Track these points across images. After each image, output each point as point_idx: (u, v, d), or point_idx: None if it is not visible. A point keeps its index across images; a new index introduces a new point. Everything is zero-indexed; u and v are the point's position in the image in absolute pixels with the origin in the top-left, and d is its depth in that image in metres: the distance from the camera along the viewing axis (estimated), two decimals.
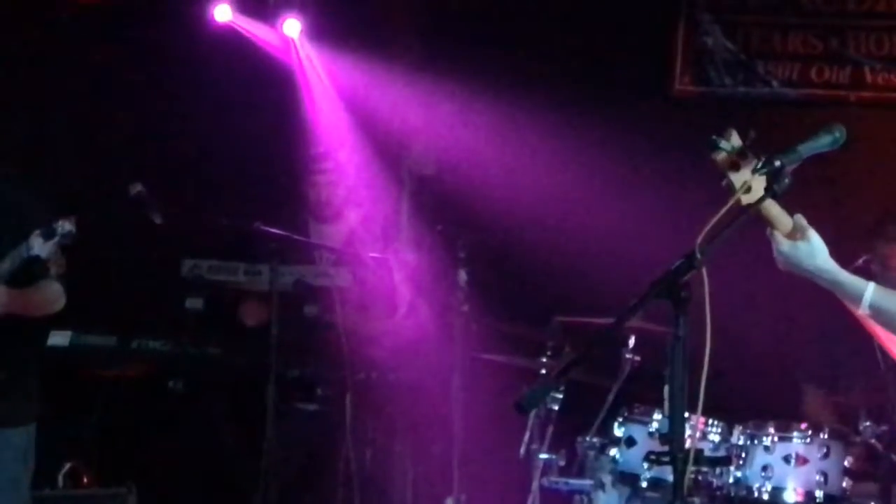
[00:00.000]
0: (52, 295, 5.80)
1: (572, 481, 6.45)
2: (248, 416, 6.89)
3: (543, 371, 6.76)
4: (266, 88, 7.86)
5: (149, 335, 7.03)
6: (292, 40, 7.92)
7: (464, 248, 6.74)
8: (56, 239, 5.49)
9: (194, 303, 6.99)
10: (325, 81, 7.94)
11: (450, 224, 6.99)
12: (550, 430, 6.58)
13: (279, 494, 6.76)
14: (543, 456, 6.53)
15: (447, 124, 8.00)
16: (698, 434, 5.76)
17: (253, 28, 7.87)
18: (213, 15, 7.74)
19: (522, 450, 6.68)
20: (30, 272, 5.67)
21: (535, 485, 6.50)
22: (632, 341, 6.51)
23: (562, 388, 6.52)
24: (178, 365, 7.02)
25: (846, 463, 6.02)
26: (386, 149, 7.98)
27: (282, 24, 7.87)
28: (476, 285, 6.77)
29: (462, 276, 6.71)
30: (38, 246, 5.48)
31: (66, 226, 5.50)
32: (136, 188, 6.34)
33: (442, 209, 7.69)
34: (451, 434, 6.75)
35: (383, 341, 7.10)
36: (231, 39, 7.78)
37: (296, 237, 6.96)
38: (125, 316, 7.25)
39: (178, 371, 7.00)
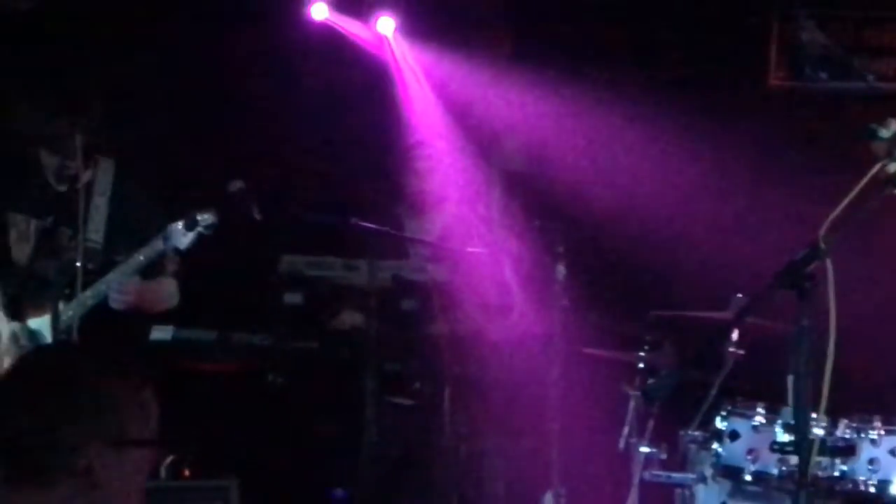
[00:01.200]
0: (171, 291, 5.89)
1: (674, 475, 6.43)
2: (346, 411, 6.93)
3: (641, 365, 6.77)
4: (361, 85, 7.91)
5: (248, 330, 7.11)
6: (386, 37, 7.99)
7: (562, 243, 6.75)
8: (198, 230, 5.55)
9: (293, 298, 7.05)
10: (419, 77, 7.99)
11: (547, 219, 7.00)
12: (651, 423, 6.57)
13: (376, 489, 6.80)
14: (644, 449, 6.51)
15: (538, 119, 8.01)
16: None
17: (348, 25, 7.95)
18: (310, 13, 7.83)
19: (622, 443, 6.68)
20: (152, 268, 5.75)
21: (635, 478, 6.49)
22: (735, 334, 6.49)
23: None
24: (277, 359, 7.08)
25: None
26: (479, 144, 8.00)
27: (376, 22, 7.95)
28: (574, 280, 6.78)
29: (560, 270, 6.72)
30: (179, 237, 5.54)
31: (207, 217, 5.56)
32: (236, 185, 6.39)
33: (534, 204, 7.70)
34: (550, 428, 6.75)
35: (482, 336, 7.11)
36: (327, 37, 7.85)
37: (393, 232, 7.00)
38: (225, 311, 7.32)
39: (277, 365, 7.07)
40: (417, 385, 7.08)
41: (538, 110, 7.98)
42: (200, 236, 5.61)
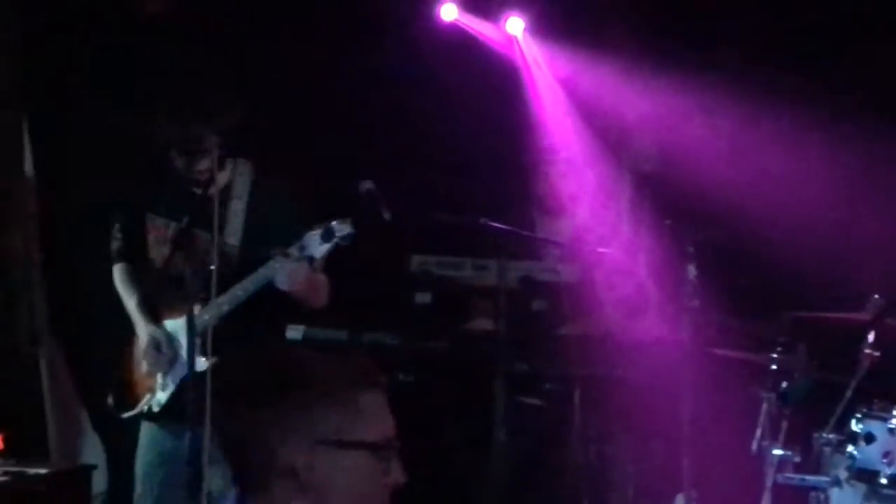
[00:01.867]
0: (326, 289, 5.94)
1: (808, 478, 6.33)
2: (476, 411, 6.94)
3: (774, 367, 6.68)
4: (491, 85, 7.92)
5: (379, 329, 7.15)
6: (515, 37, 7.99)
7: (692, 243, 6.69)
8: (334, 240, 5.55)
9: (423, 297, 7.09)
10: (549, 77, 7.99)
11: (677, 218, 6.96)
12: (784, 425, 6.48)
13: (506, 490, 6.81)
14: (777, 452, 6.42)
15: (669, 117, 7.96)
16: None
17: (477, 26, 7.98)
18: (439, 14, 7.91)
19: (754, 446, 6.60)
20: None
21: (768, 481, 6.41)
22: (872, 336, 6.39)
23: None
24: (407, 359, 7.12)
25: None
26: (607, 144, 7.97)
27: (505, 22, 7.96)
28: (705, 280, 6.72)
29: (691, 270, 6.66)
30: (315, 246, 5.55)
31: (344, 228, 5.56)
32: (366, 185, 6.41)
33: (664, 204, 7.65)
34: (680, 430, 6.70)
35: (612, 337, 7.09)
36: (456, 38, 7.88)
37: (523, 233, 7.00)
38: (356, 310, 7.36)
39: (407, 364, 7.10)
40: (547, 386, 7.09)
41: (669, 108, 7.92)
42: (336, 246, 5.60)
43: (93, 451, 7.19)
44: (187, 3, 7.57)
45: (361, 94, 7.94)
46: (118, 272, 6.01)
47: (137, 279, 5.94)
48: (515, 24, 7.97)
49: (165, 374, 5.78)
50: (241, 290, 5.67)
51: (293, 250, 5.55)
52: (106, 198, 6.14)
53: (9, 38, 7.15)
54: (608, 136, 8.03)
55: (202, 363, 5.52)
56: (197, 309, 5.59)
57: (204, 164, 5.64)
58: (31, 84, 7.25)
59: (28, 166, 7.25)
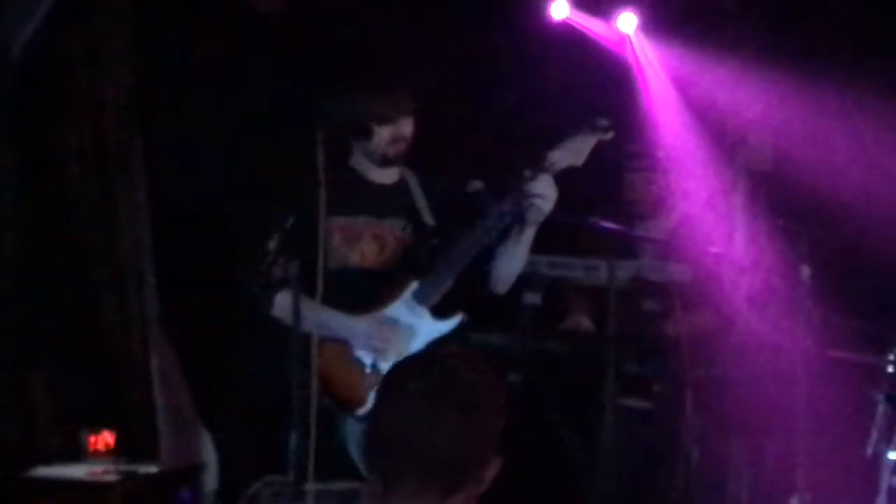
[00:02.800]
0: None
1: None
2: (585, 411, 6.90)
3: (890, 368, 6.57)
4: (603, 83, 7.88)
5: (487, 329, 7.12)
6: (627, 35, 7.94)
7: (806, 243, 6.61)
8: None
9: (532, 298, 7.05)
10: (661, 75, 7.92)
11: (791, 218, 6.86)
12: None
13: (615, 492, 6.75)
14: (893, 455, 6.34)
15: (785, 117, 7.86)
16: None
17: (589, 24, 7.93)
18: (550, 12, 7.86)
19: (869, 449, 6.50)
20: None
21: (883, 485, 6.32)
22: None
23: None
24: (517, 359, 7.09)
25: None
26: (722, 142, 7.90)
27: (617, 19, 7.91)
28: (819, 280, 6.62)
29: (805, 271, 6.58)
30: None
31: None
32: (476, 185, 6.41)
33: (780, 203, 7.56)
34: (794, 433, 6.62)
35: (723, 337, 7.01)
36: (568, 36, 7.85)
37: (633, 232, 6.95)
38: (465, 311, 7.34)
39: (516, 365, 7.07)
40: (657, 387, 7.02)
41: (785, 108, 7.83)
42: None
43: (203, 451, 7.25)
44: (299, 4, 7.59)
45: (470, 94, 7.94)
46: (285, 299, 5.48)
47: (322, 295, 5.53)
48: (628, 22, 7.90)
49: (394, 357, 5.61)
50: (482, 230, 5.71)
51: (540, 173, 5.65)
52: (245, 211, 6.04)
53: (121, 40, 7.23)
54: (723, 135, 7.95)
55: (448, 324, 5.72)
56: (416, 283, 5.69)
57: (406, 128, 5.70)
58: (143, 83, 7.32)
59: (138, 161, 7.33)
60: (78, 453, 6.67)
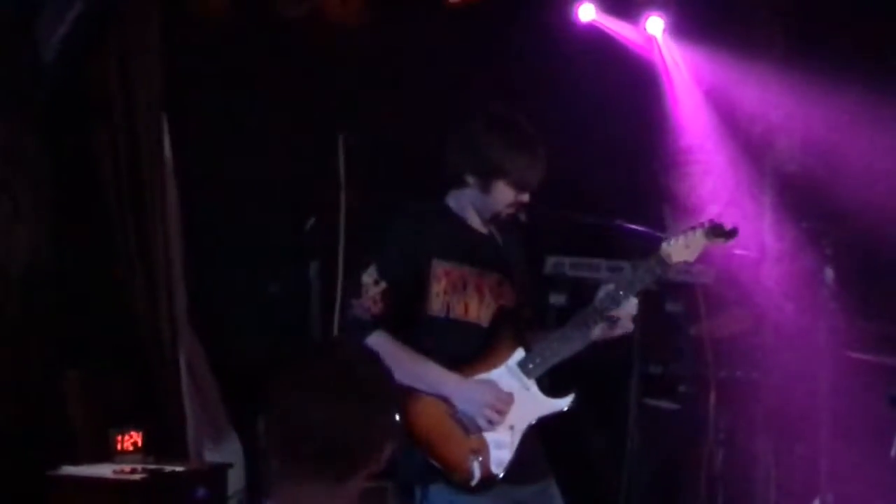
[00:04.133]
0: None
1: None
2: (611, 412, 6.92)
3: None
4: (629, 86, 7.89)
5: (617, 335, 7.13)
6: (655, 38, 7.95)
7: (830, 245, 6.60)
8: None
9: (557, 299, 7.08)
10: (688, 78, 7.93)
11: (815, 220, 6.86)
12: None
13: (642, 492, 6.77)
14: None
15: (813, 119, 7.84)
16: None
17: (616, 27, 7.95)
18: (577, 14, 7.90)
19: (893, 451, 6.50)
20: None
21: None
22: None
23: None
24: None
25: None
26: (749, 145, 7.89)
27: (645, 22, 7.93)
28: (844, 283, 6.62)
29: (829, 273, 6.58)
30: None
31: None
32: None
33: (808, 205, 7.54)
34: (818, 434, 6.62)
35: (747, 339, 7.02)
36: (595, 38, 7.87)
37: (657, 234, 6.95)
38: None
39: None
40: (682, 388, 7.03)
41: (812, 109, 7.81)
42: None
43: (231, 449, 7.30)
44: (323, 9, 7.65)
45: (497, 95, 7.95)
46: (384, 338, 5.04)
47: (417, 339, 5.18)
48: (655, 24, 7.92)
49: (503, 429, 5.18)
50: (595, 315, 5.34)
51: (656, 270, 5.37)
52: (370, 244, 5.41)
53: (151, 45, 7.32)
54: (749, 136, 7.95)
55: (565, 402, 5.34)
56: (521, 352, 5.27)
57: (527, 197, 5.37)
58: (171, 89, 7.40)
59: (167, 161, 7.40)
60: (107, 452, 6.72)
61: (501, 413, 5.12)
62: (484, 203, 5.31)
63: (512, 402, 5.17)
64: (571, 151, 7.89)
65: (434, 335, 5.15)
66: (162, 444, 6.88)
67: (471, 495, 5.04)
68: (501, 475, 5.09)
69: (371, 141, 5.92)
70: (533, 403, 5.25)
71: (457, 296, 5.22)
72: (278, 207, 7.15)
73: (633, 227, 6.71)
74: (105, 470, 6.48)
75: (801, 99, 7.80)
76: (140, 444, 6.72)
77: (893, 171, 7.51)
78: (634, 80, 7.92)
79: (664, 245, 5.36)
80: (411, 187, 7.08)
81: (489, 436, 5.11)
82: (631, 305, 5.30)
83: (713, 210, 7.32)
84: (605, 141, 7.80)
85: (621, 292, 5.27)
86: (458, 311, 5.21)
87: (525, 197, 5.34)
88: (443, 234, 5.25)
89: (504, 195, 5.29)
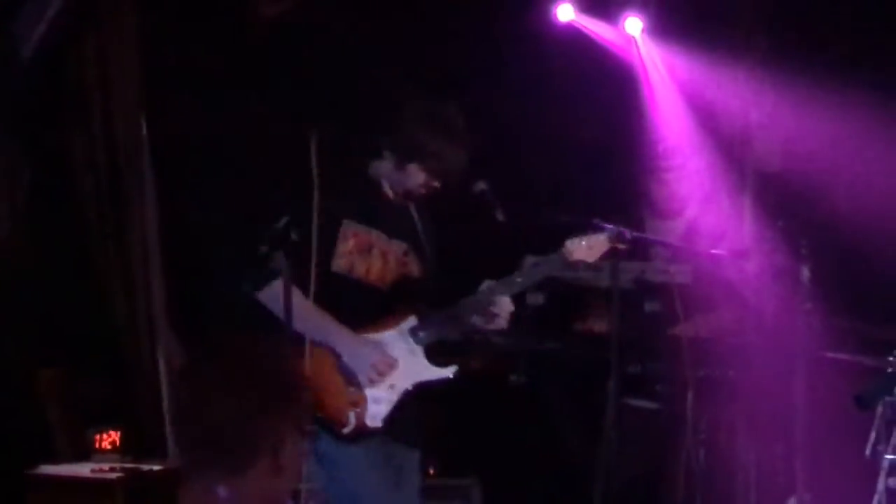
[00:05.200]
0: None
1: None
2: (589, 411, 6.94)
3: (890, 370, 6.57)
4: (608, 86, 7.91)
5: (491, 329, 7.16)
6: (633, 38, 7.96)
7: (806, 245, 6.62)
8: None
9: (535, 298, 7.09)
10: (667, 78, 7.94)
11: (792, 220, 6.88)
12: None
13: (620, 491, 6.78)
14: (889, 457, 6.34)
15: (793, 120, 7.87)
16: None
17: (594, 27, 7.95)
18: (555, 14, 7.88)
19: (868, 450, 6.51)
20: None
21: (880, 485, 6.33)
22: None
23: None
24: (520, 359, 7.14)
25: None
26: (729, 145, 7.91)
27: (623, 23, 7.93)
28: (820, 282, 6.64)
29: (805, 273, 6.59)
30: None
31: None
32: (480, 186, 6.44)
33: (787, 205, 7.57)
34: (794, 433, 6.64)
35: (725, 338, 7.04)
36: (573, 38, 7.88)
37: (636, 234, 6.97)
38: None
39: (519, 365, 7.12)
40: (660, 387, 7.05)
41: (792, 110, 7.84)
42: None
43: None
44: (304, 6, 7.65)
45: (476, 94, 7.97)
46: (286, 287, 5.24)
47: (317, 293, 5.50)
48: (634, 25, 7.92)
49: (383, 387, 5.60)
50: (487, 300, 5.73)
51: (554, 263, 5.85)
52: (271, 202, 5.78)
53: (129, 44, 7.32)
54: (729, 137, 7.96)
55: (448, 371, 5.71)
56: (414, 320, 5.67)
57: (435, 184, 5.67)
58: (150, 88, 7.40)
59: (145, 161, 7.41)
60: (85, 451, 6.73)
61: (382, 374, 5.54)
62: (398, 179, 5.67)
63: (395, 366, 5.59)
64: (550, 151, 7.94)
65: (335, 292, 5.51)
66: (140, 443, 6.88)
67: (346, 445, 5.46)
68: (376, 427, 5.50)
69: (346, 140, 5.92)
70: (417, 368, 5.66)
71: (362, 257, 5.62)
72: (255, 206, 7.15)
73: (611, 226, 6.74)
74: (83, 469, 6.49)
75: (782, 99, 7.82)
76: (118, 443, 6.75)
77: (872, 172, 7.54)
78: (613, 81, 7.92)
79: (568, 243, 5.83)
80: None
81: (369, 391, 5.52)
82: (506, 303, 5.75)
83: (690, 212, 7.33)
84: (583, 141, 7.83)
85: (500, 289, 5.74)
86: (360, 272, 5.61)
87: (436, 183, 5.65)
88: (357, 198, 5.63)
89: (416, 177, 5.64)
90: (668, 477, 7.01)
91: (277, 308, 5.25)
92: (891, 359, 6.57)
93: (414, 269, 5.73)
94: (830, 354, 6.71)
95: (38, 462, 6.53)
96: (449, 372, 5.72)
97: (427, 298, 5.74)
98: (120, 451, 6.72)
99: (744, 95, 7.94)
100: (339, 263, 5.58)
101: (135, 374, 7.26)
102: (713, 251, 7.00)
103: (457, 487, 7.17)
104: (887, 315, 6.83)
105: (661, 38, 7.93)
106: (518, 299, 6.95)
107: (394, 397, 5.60)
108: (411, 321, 5.66)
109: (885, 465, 6.31)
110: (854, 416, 6.65)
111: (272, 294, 5.35)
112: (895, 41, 7.87)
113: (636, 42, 7.96)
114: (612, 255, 5.94)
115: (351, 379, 5.54)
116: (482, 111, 7.93)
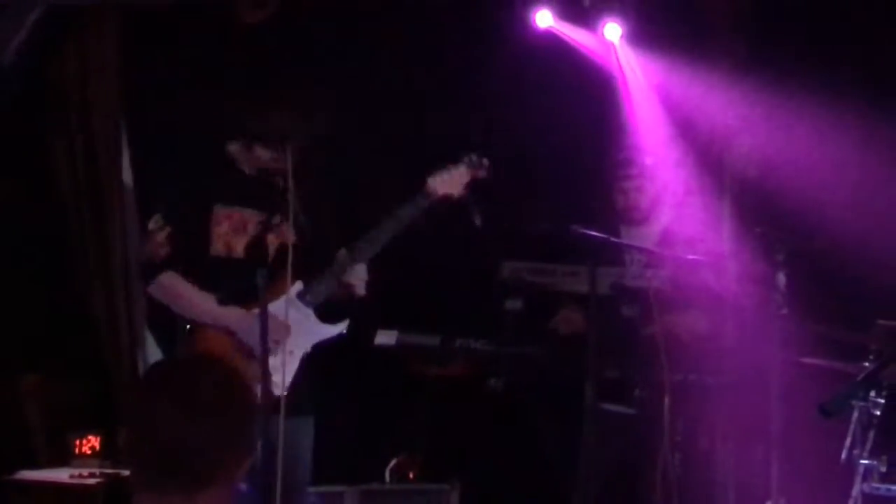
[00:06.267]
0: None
1: (894, 488, 6.30)
2: (567, 417, 6.97)
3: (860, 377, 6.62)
4: (586, 92, 7.94)
5: (471, 335, 7.20)
6: (612, 44, 7.99)
7: (783, 251, 6.67)
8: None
9: (514, 304, 7.12)
10: (645, 85, 7.97)
11: (769, 226, 6.92)
12: (872, 435, 6.43)
13: (598, 495, 6.82)
14: (864, 461, 6.39)
15: (771, 125, 7.91)
16: None
17: (573, 33, 7.98)
18: (534, 21, 7.90)
19: (844, 454, 6.55)
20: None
21: (855, 490, 6.37)
22: None
23: (883, 393, 6.38)
24: (499, 364, 7.16)
25: None
26: (707, 151, 7.95)
27: (602, 29, 7.95)
28: (796, 288, 6.68)
29: (781, 278, 6.64)
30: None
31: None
32: None
33: (765, 211, 7.61)
34: (770, 438, 6.68)
35: (701, 343, 7.07)
36: (552, 44, 7.91)
37: (613, 239, 7.01)
38: (448, 316, 7.43)
39: (498, 370, 7.15)
40: (637, 392, 7.08)
41: (770, 116, 7.88)
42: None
43: None
44: (285, 14, 7.67)
45: (453, 100, 8.02)
46: (172, 278, 5.77)
47: (200, 278, 5.78)
48: (613, 31, 7.94)
49: (283, 355, 5.75)
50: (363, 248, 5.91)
51: (419, 202, 6.00)
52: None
53: (110, 49, 7.35)
54: (708, 143, 8.00)
55: (340, 327, 5.89)
56: (299, 284, 5.82)
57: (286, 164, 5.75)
58: (129, 94, 7.43)
59: (127, 175, 7.43)
60: (65, 456, 6.75)
61: (277, 342, 5.66)
62: (249, 159, 5.84)
63: (288, 332, 5.74)
64: (529, 158, 7.97)
65: (218, 273, 5.71)
66: (120, 448, 6.89)
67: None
68: (282, 395, 5.58)
69: (323, 145, 5.98)
70: (311, 330, 5.85)
71: (237, 237, 5.80)
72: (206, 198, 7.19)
73: (589, 232, 6.78)
74: (62, 474, 6.51)
75: (760, 105, 7.86)
76: (98, 448, 6.76)
77: (847, 179, 7.59)
78: (592, 87, 7.96)
79: (430, 180, 6.05)
80: (365, 190, 7.20)
81: (270, 361, 5.50)
82: (361, 270, 5.92)
83: (665, 218, 7.37)
84: (562, 147, 7.85)
85: (353, 255, 5.89)
86: (238, 251, 5.80)
87: (269, 156, 5.80)
88: (223, 180, 5.82)
89: (263, 155, 5.81)
90: (644, 481, 7.04)
91: (165, 300, 5.70)
92: (865, 364, 6.63)
93: (291, 236, 5.78)
94: (806, 360, 6.76)
95: (18, 467, 6.55)
96: (342, 327, 5.90)
97: (309, 262, 5.85)
98: (99, 455, 6.74)
99: (722, 101, 7.97)
100: (217, 247, 5.79)
101: (115, 380, 7.27)
102: (690, 256, 7.04)
103: (436, 492, 7.20)
104: (861, 321, 6.87)
105: (640, 44, 7.96)
106: (496, 305, 7.03)
107: (295, 363, 5.79)
108: (298, 286, 5.82)
109: (861, 469, 6.36)
110: (830, 420, 6.70)
111: (158, 287, 5.74)
112: (872, 49, 7.93)
113: (615, 48, 7.98)
114: (473, 184, 6.17)
115: (250, 353, 5.63)
116: (459, 119, 8.00)
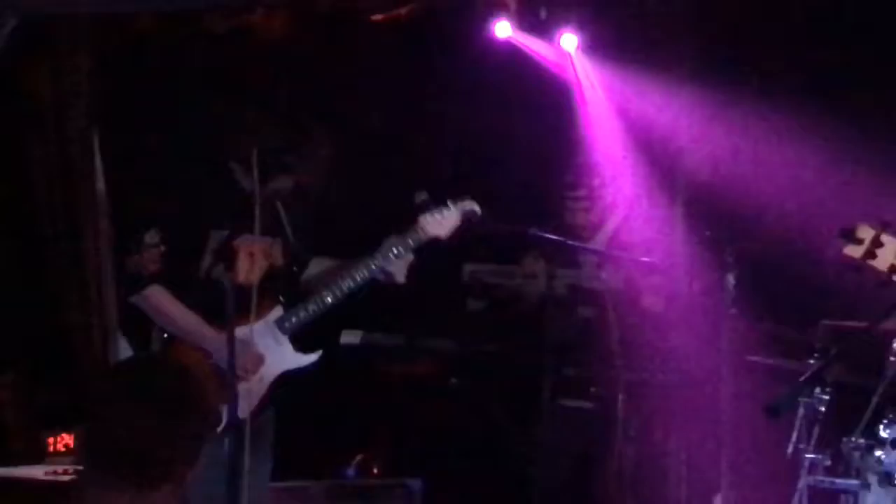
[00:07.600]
0: None
1: (838, 481, 6.47)
2: (526, 413, 7.13)
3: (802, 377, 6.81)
4: (544, 101, 8.11)
5: (433, 334, 7.36)
6: (569, 54, 8.16)
7: (732, 253, 6.84)
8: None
9: (476, 305, 7.30)
10: (600, 93, 8.12)
11: (719, 228, 7.10)
12: (817, 430, 6.61)
13: (555, 490, 6.99)
14: (810, 455, 6.56)
15: (721, 132, 8.05)
16: None
17: (531, 44, 8.14)
18: (493, 31, 8.05)
19: (790, 449, 6.73)
20: None
21: (801, 483, 6.55)
22: None
23: (828, 390, 6.56)
24: (460, 363, 7.34)
25: None
26: (661, 156, 8.08)
27: (559, 39, 8.09)
28: (744, 289, 6.85)
29: (730, 279, 6.81)
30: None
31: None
32: (421, 197, 6.64)
33: (716, 215, 7.75)
34: (719, 434, 6.86)
35: (654, 342, 7.26)
36: (511, 55, 8.07)
37: (569, 242, 7.16)
38: (412, 317, 7.57)
39: (460, 369, 7.32)
40: (594, 390, 7.27)
41: (721, 123, 8.03)
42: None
43: None
44: (249, 26, 7.81)
45: (414, 108, 8.15)
46: (158, 293, 5.77)
47: (188, 296, 5.79)
48: (569, 41, 8.08)
49: (254, 381, 5.78)
50: (349, 281, 5.90)
51: (409, 241, 5.95)
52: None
53: (82, 57, 7.47)
54: (661, 148, 8.12)
55: (311, 358, 5.90)
56: (280, 310, 5.85)
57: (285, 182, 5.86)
58: (101, 103, 7.54)
59: (100, 183, 7.55)
60: (39, 454, 6.80)
61: (249, 372, 5.70)
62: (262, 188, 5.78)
63: (262, 363, 5.78)
64: (490, 165, 8.12)
65: (205, 293, 5.65)
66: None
67: (217, 441, 5.41)
68: (244, 419, 5.51)
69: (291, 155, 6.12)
70: (283, 358, 5.87)
71: (229, 259, 5.66)
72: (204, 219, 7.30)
73: (547, 235, 6.95)
74: (37, 471, 6.53)
75: (711, 112, 8.00)
76: (72, 446, 6.80)
77: (795, 183, 7.76)
78: (550, 97, 8.12)
79: (421, 219, 6.02)
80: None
81: (240, 386, 5.52)
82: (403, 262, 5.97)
83: (611, 225, 7.51)
84: (522, 154, 8.01)
85: (356, 271, 5.89)
86: (229, 273, 5.62)
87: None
88: (221, 203, 5.79)
89: (284, 183, 5.83)
90: (601, 474, 7.22)
91: (149, 312, 5.74)
92: (810, 362, 6.83)
93: (278, 258, 5.85)
94: (754, 358, 6.97)
95: None
96: (313, 357, 5.92)
97: (292, 286, 5.93)
98: (74, 453, 6.77)
99: (675, 109, 8.11)
100: (207, 267, 5.76)
101: (88, 379, 7.36)
102: (641, 259, 7.22)
103: (399, 487, 7.33)
104: (806, 320, 7.08)
105: (596, 54, 8.10)
106: (460, 304, 7.23)
107: (263, 389, 5.81)
108: (277, 311, 5.86)
109: (806, 463, 6.53)
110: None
111: (142, 298, 5.76)
112: (821, 57, 8.11)
113: (571, 58, 8.15)
114: (464, 227, 6.16)
115: (223, 376, 5.54)
116: (421, 126, 8.16)
